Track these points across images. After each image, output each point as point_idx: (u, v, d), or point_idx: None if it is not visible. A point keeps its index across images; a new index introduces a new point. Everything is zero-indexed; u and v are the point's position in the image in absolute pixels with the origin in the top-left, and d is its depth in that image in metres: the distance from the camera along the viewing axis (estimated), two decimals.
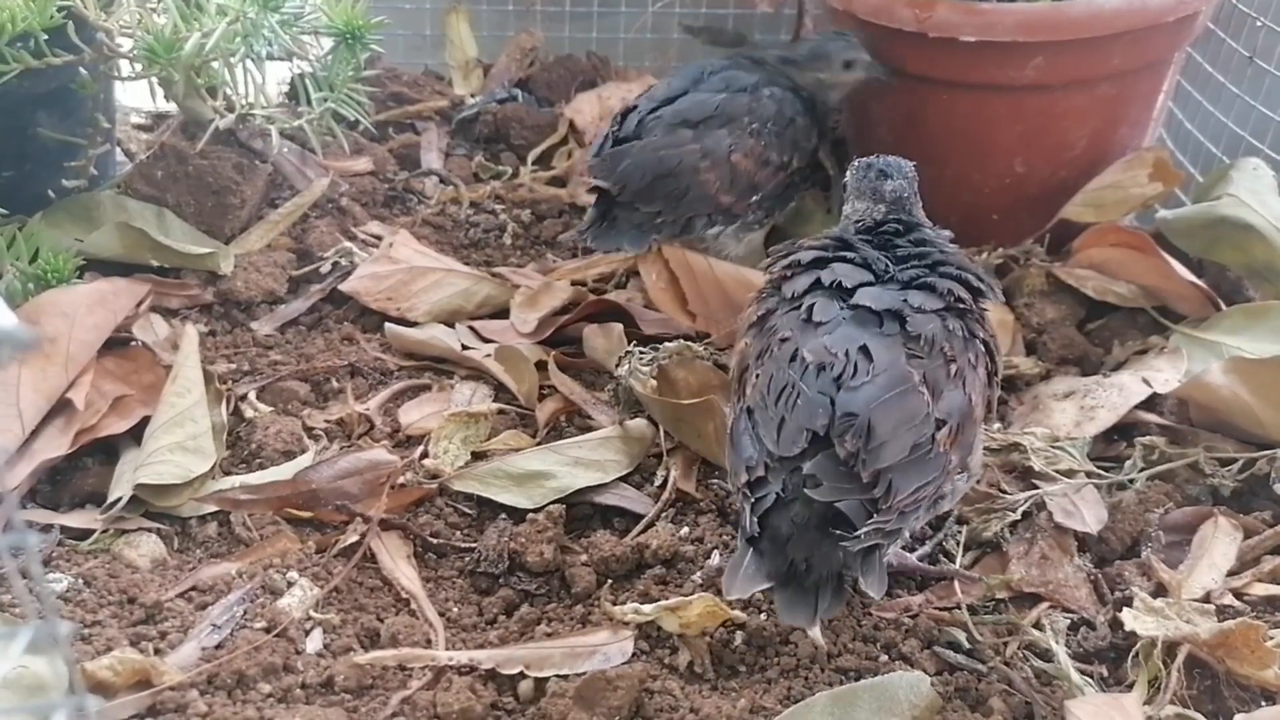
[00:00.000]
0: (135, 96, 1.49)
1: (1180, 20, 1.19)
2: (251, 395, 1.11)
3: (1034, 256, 1.25)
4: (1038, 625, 0.88)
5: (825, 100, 1.29)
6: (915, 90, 1.26)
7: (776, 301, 0.90)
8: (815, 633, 0.84)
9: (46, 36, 1.09)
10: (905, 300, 0.84)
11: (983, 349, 0.86)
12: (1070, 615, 0.89)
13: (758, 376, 0.85)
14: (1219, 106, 1.36)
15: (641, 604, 0.88)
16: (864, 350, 0.80)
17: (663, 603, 0.87)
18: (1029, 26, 1.15)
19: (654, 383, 1.07)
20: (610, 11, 1.69)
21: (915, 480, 0.78)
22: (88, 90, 1.21)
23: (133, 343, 1.12)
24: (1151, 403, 1.07)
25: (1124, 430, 1.06)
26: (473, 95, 1.63)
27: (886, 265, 0.88)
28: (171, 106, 1.42)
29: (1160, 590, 0.89)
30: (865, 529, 0.76)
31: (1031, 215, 1.29)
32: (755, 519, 0.78)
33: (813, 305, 0.85)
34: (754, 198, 1.22)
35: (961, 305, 0.86)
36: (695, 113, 1.20)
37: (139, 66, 1.20)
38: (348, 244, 1.30)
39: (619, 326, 1.16)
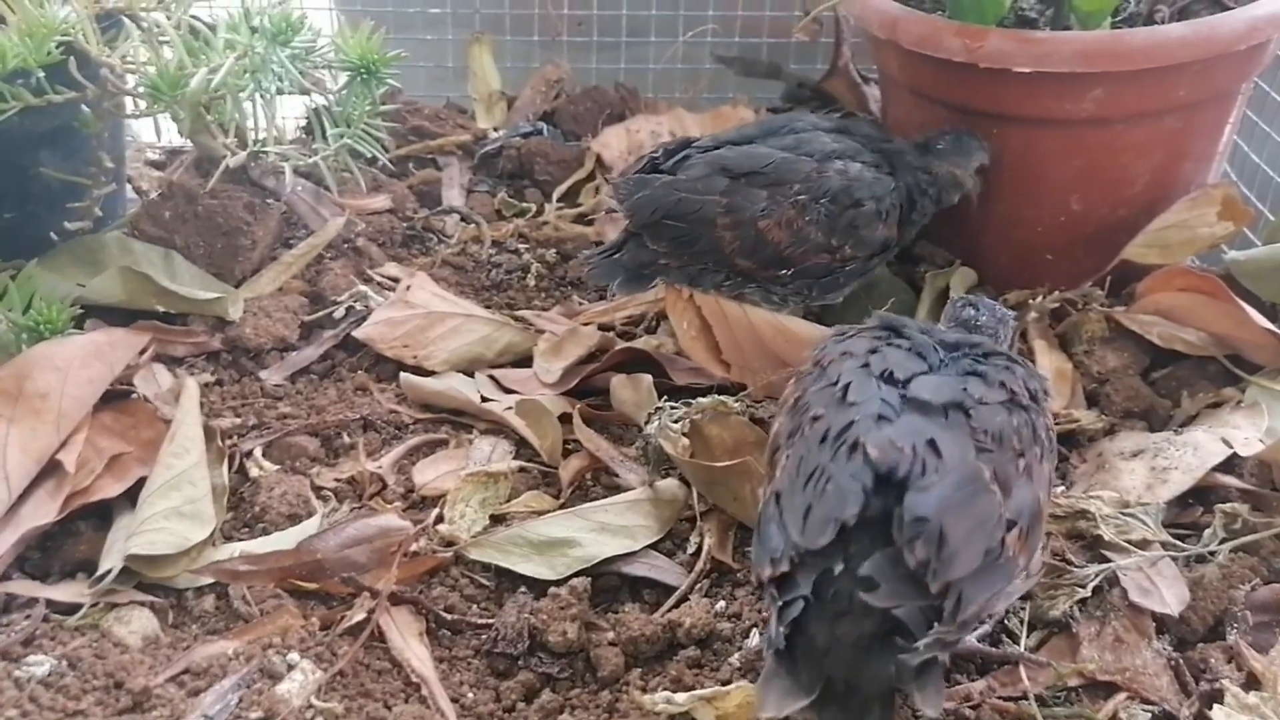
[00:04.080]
0: (151, 131, 1.44)
1: (1251, 49, 1.11)
2: (257, 452, 1.04)
3: (1093, 300, 1.16)
4: (1114, 719, 0.80)
5: (940, 197, 1.17)
6: (964, 122, 1.18)
7: (813, 380, 0.81)
8: None
9: (44, 73, 1.03)
10: (965, 390, 0.76)
11: (1047, 444, 0.78)
12: (1150, 708, 0.80)
13: (787, 458, 0.76)
14: None
15: (674, 692, 0.80)
16: (932, 444, 0.71)
17: (698, 691, 0.79)
18: (1088, 56, 1.07)
19: (686, 441, 1.00)
20: (639, 41, 1.63)
21: (985, 590, 0.69)
22: (90, 128, 1.15)
23: (133, 395, 1.06)
24: (1229, 464, 0.98)
25: (1199, 494, 0.97)
26: (496, 129, 1.57)
27: (938, 351, 0.81)
28: (186, 142, 1.38)
29: (1252, 681, 0.80)
30: (927, 640, 0.66)
31: (1088, 255, 1.21)
32: (783, 629, 0.68)
33: (849, 385, 0.77)
34: (782, 271, 1.11)
35: (1020, 397, 0.78)
36: (740, 164, 1.10)
37: (145, 104, 1.14)
38: (363, 287, 1.24)
39: (648, 379, 1.08)
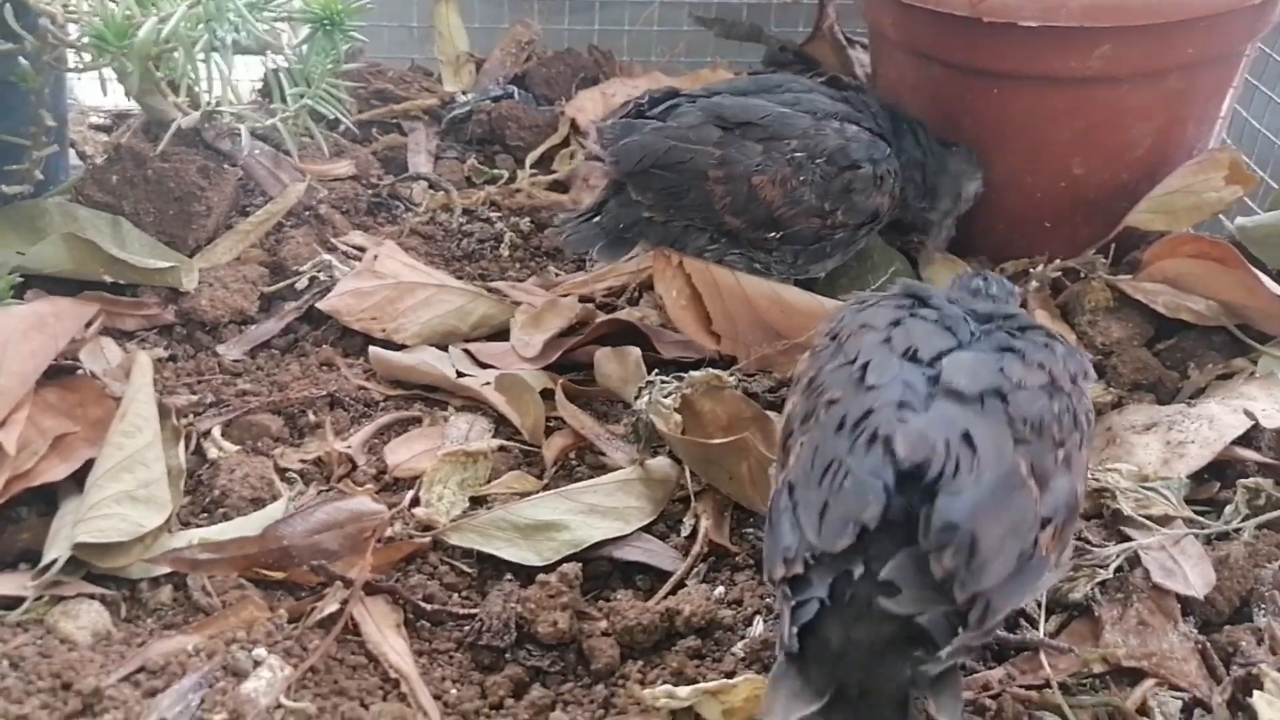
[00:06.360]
0: (95, 93, 1.35)
1: (1260, 6, 1.07)
2: (216, 432, 0.97)
3: (1097, 269, 1.11)
4: (1143, 709, 0.75)
5: (931, 188, 1.14)
6: (963, 82, 1.13)
7: (829, 355, 0.74)
8: None
9: None
10: (1003, 370, 0.68)
11: (1087, 429, 0.71)
12: (1180, 695, 0.76)
13: (801, 444, 0.69)
14: None
15: (675, 685, 0.74)
16: (966, 438, 0.64)
17: (701, 685, 0.73)
18: (1098, 10, 1.02)
19: (678, 418, 0.94)
20: (614, 1, 1.56)
21: (1015, 597, 0.63)
22: (29, 84, 1.06)
23: (79, 370, 0.98)
24: (1246, 437, 0.93)
25: (1216, 469, 0.92)
26: (464, 92, 1.49)
27: (969, 323, 0.73)
28: (133, 106, 1.29)
29: None
30: (950, 648, 0.60)
31: (1087, 222, 1.16)
32: (795, 630, 0.62)
33: (868, 364, 0.69)
34: (771, 234, 1.05)
35: (1061, 380, 0.71)
36: (736, 115, 1.04)
37: (88, 57, 1.05)
38: (326, 256, 1.16)
39: (635, 351, 1.02)
